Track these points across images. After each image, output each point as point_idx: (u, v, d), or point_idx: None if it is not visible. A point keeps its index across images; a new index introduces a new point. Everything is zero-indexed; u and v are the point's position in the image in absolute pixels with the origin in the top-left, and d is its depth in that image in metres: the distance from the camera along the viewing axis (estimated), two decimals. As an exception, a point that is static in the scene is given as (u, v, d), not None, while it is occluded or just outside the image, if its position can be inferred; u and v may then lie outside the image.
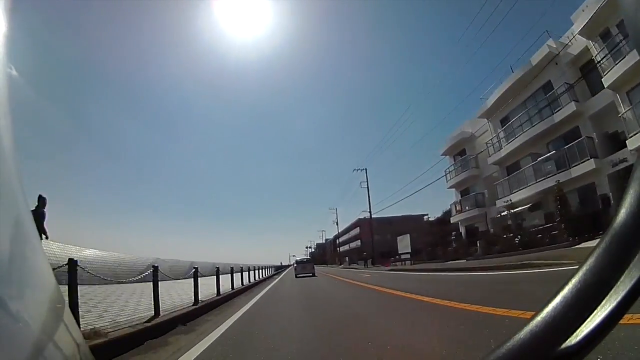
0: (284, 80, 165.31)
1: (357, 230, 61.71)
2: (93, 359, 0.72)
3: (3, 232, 0.49)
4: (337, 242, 70.20)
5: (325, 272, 28.63)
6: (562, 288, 0.35)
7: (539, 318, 0.35)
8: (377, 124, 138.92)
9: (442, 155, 28.70)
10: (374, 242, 38.92)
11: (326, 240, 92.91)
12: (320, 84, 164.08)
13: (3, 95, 0.56)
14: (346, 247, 68.12)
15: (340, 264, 60.34)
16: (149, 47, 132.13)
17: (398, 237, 32.13)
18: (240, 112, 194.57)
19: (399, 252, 31.13)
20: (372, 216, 40.62)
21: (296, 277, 21.69)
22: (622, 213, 0.35)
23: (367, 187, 39.88)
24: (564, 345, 0.33)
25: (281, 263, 76.50)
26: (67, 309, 0.67)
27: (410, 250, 28.87)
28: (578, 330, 0.33)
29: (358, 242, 60.13)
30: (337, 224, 66.34)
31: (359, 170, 41.00)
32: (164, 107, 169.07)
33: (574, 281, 0.35)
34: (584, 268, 0.35)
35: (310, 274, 22.73)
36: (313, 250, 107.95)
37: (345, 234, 68.78)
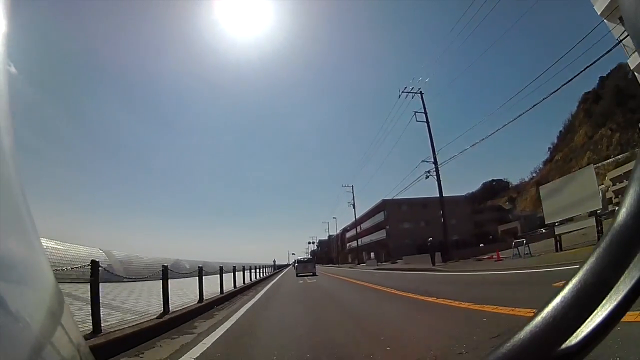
0: (284, 78, 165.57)
1: (380, 217, 48.49)
2: (93, 359, 0.73)
3: (3, 232, 0.49)
4: (357, 230, 52.24)
5: (371, 284, 11.16)
6: (562, 288, 0.35)
7: (539, 318, 0.35)
8: (378, 122, 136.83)
9: (600, 14, 16.06)
10: (431, 228, 23.93)
11: (330, 236, 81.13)
12: (320, 83, 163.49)
13: (3, 95, 0.56)
14: (359, 242, 53.14)
15: (358, 263, 45.76)
16: (149, 46, 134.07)
17: (542, 187, 14.48)
18: (239, 108, 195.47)
19: (548, 222, 13.39)
20: (396, 198, 28.86)
21: (297, 276, 21.76)
22: (622, 213, 0.35)
23: (427, 121, 21.68)
24: (564, 345, 0.33)
25: (274, 261, 50.94)
26: (67, 309, 0.67)
27: (601, 207, 11.44)
28: (578, 330, 0.33)
29: (382, 233, 46.88)
30: (353, 206, 48.85)
31: (409, 96, 22.51)
32: (164, 105, 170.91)
33: (574, 281, 0.35)
34: (584, 268, 0.35)
35: (311, 274, 22.37)
36: (316, 247, 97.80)
37: (360, 223, 53.43)
